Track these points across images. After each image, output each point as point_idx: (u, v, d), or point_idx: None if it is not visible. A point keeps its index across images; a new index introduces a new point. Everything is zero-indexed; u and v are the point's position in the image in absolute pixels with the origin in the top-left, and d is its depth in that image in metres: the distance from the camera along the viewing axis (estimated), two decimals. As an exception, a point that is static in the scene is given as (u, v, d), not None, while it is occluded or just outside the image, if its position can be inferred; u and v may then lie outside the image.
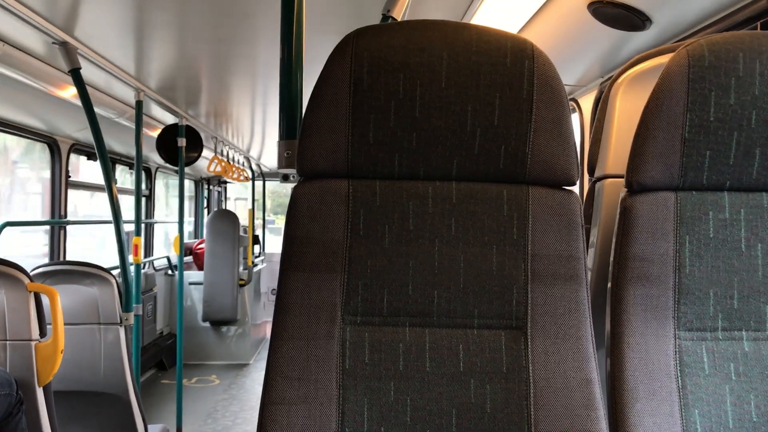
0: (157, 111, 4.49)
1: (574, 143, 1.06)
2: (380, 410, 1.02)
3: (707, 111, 1.06)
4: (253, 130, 5.73)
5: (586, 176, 2.02)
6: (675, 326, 1.09)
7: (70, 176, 4.31)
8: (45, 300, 2.31)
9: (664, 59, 1.36)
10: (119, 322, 3.02)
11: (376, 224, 1.06)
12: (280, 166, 1.30)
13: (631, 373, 1.07)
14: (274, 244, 9.27)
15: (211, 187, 8.61)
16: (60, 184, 4.19)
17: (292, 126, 1.32)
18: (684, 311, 1.09)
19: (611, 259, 1.14)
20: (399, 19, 1.71)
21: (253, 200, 7.87)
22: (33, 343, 2.21)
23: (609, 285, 1.14)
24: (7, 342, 2.19)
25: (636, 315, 1.09)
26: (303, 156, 1.07)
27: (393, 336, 1.05)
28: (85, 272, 2.98)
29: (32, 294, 2.25)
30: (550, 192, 1.06)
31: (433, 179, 1.07)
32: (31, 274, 2.34)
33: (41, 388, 2.23)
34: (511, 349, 1.04)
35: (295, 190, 1.08)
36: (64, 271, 2.98)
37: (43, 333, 2.28)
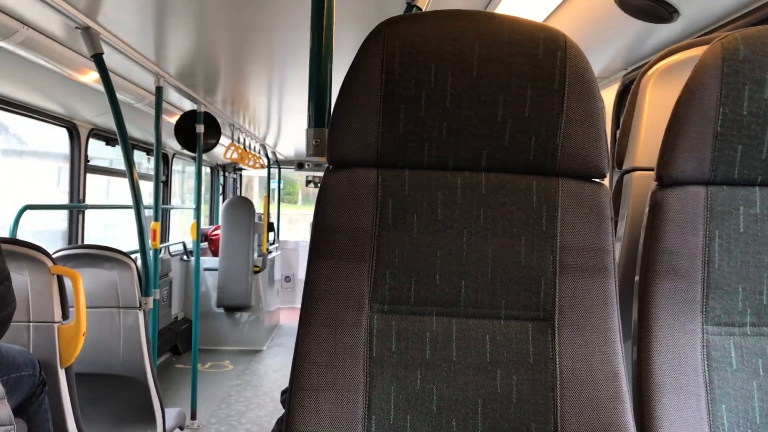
0: (174, 97, 4.51)
1: (606, 136, 1.06)
2: (406, 398, 1.03)
3: (741, 105, 1.06)
4: (269, 118, 5.74)
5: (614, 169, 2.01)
6: (703, 321, 1.08)
7: (89, 161, 4.33)
8: (67, 283, 2.34)
9: (696, 52, 1.35)
10: (138, 306, 3.04)
11: (404, 213, 1.06)
12: (308, 153, 1.30)
13: (658, 367, 1.07)
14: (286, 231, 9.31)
15: (227, 174, 8.64)
16: (79, 169, 4.22)
17: (321, 114, 1.32)
18: (712, 306, 1.08)
19: (639, 252, 1.14)
20: (423, 9, 1.71)
21: (269, 187, 7.89)
22: (56, 325, 2.24)
23: (637, 278, 1.13)
24: (31, 323, 2.22)
25: (664, 308, 1.09)
26: (333, 145, 1.07)
27: (420, 325, 1.05)
28: (106, 256, 3.01)
29: (55, 276, 2.27)
30: (580, 184, 1.06)
31: (463, 169, 1.07)
32: (53, 257, 2.37)
33: (63, 369, 2.26)
34: (538, 340, 1.04)
35: (324, 179, 1.08)
36: (86, 254, 3.01)
37: (65, 315, 2.31)
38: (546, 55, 1.03)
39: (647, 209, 1.13)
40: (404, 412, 1.03)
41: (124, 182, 5.21)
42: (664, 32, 2.02)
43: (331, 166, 1.10)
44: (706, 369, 1.07)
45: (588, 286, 1.04)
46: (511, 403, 1.02)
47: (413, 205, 1.06)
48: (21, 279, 2.19)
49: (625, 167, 1.44)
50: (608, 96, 2.64)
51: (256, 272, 6.67)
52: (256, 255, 6.76)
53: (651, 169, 1.17)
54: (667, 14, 1.78)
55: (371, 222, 1.06)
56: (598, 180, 1.08)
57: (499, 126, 1.04)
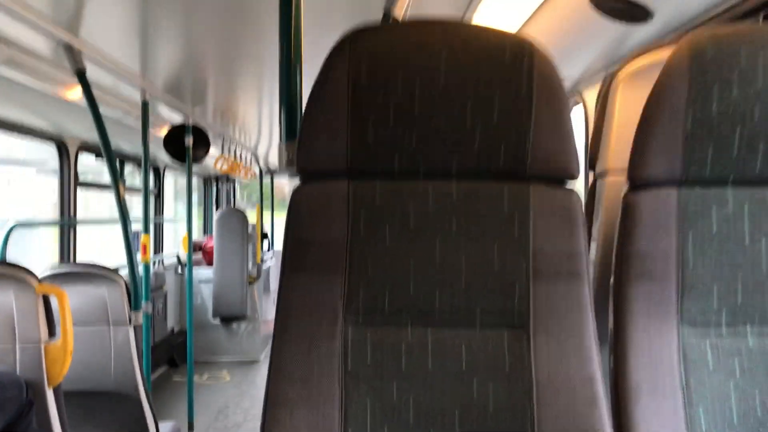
0: (164, 110, 4.50)
1: (574, 140, 1.06)
2: (383, 410, 1.03)
3: (710, 105, 1.06)
4: (260, 128, 5.73)
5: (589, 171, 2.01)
6: (678, 322, 1.08)
7: (78, 176, 4.33)
8: (54, 302, 2.33)
9: (666, 53, 1.35)
10: (128, 321, 3.04)
11: (376, 224, 1.06)
12: (280, 167, 1.30)
13: (634, 370, 1.07)
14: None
15: (219, 184, 8.63)
16: (69, 185, 4.21)
17: (293, 127, 1.32)
18: (687, 307, 1.08)
19: (613, 255, 1.14)
20: (400, 18, 1.71)
21: (261, 197, 7.88)
22: (42, 345, 2.23)
23: (611, 281, 1.13)
24: (17, 344, 2.21)
25: (639, 311, 1.09)
26: (302, 157, 1.07)
27: (395, 336, 1.05)
28: (93, 273, 3.00)
29: (41, 296, 2.26)
30: (551, 189, 1.06)
31: (434, 178, 1.07)
32: (40, 277, 2.36)
33: (51, 389, 2.25)
34: (514, 347, 1.04)
35: (294, 192, 1.08)
36: (73, 273, 3.00)
37: (52, 334, 2.30)
38: (513, 62, 1.03)
39: (620, 212, 1.13)
40: (381, 425, 1.02)
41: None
42: (642, 33, 2.03)
43: (300, 179, 1.09)
44: (683, 371, 1.06)
45: (562, 291, 1.04)
46: (488, 411, 1.02)
47: (385, 215, 1.06)
48: (6, 300, 2.18)
49: (598, 170, 1.45)
50: (591, 97, 2.65)
51: (251, 282, 6.67)
52: (250, 265, 6.75)
53: (623, 172, 1.17)
54: (642, 14, 1.78)
55: (343, 234, 1.06)
56: (569, 184, 1.08)
57: (468, 133, 1.04)
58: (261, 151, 7.53)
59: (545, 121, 1.03)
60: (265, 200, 8.31)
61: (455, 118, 1.03)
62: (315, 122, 1.05)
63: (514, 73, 1.03)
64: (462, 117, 1.03)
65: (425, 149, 1.05)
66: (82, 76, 2.78)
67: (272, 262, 8.19)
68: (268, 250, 8.30)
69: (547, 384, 1.01)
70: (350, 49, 1.04)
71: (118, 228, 3.01)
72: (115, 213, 3.05)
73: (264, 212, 7.85)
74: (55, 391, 2.27)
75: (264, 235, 7.60)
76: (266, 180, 8.40)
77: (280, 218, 9.42)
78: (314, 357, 1.03)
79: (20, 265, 2.28)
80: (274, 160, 8.48)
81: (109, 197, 4.93)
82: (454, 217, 1.06)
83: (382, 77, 1.03)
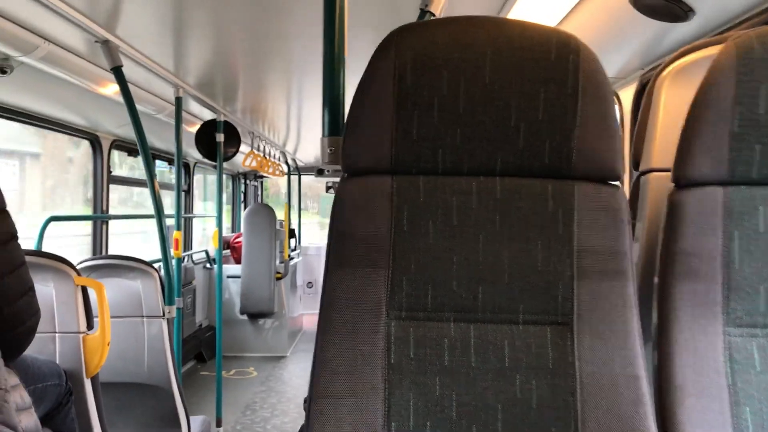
0: (194, 107, 4.55)
1: (620, 138, 1.06)
2: (426, 405, 1.03)
3: (756, 104, 1.05)
4: (288, 125, 5.77)
5: (627, 170, 2.00)
6: (724, 322, 1.07)
7: (111, 171, 4.39)
8: (91, 294, 2.37)
9: (711, 51, 1.34)
10: (162, 315, 3.08)
11: (420, 220, 1.06)
12: (323, 162, 1.31)
13: (680, 370, 1.06)
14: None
15: (247, 181, 8.70)
16: (102, 180, 4.27)
17: (336, 122, 1.33)
18: (734, 307, 1.07)
19: (658, 254, 1.13)
20: (437, 14, 1.71)
21: (289, 194, 7.93)
22: (81, 335, 2.27)
23: (656, 280, 1.13)
24: (56, 334, 2.26)
25: (684, 311, 1.08)
26: (347, 153, 1.08)
27: (438, 331, 1.05)
28: (129, 266, 3.05)
29: (79, 287, 2.30)
30: (595, 187, 1.06)
31: (477, 175, 1.07)
32: (77, 268, 2.40)
33: (89, 379, 2.29)
34: (557, 344, 1.03)
35: (339, 187, 1.09)
36: (109, 265, 3.05)
37: (90, 325, 2.34)
38: (558, 59, 1.03)
39: (665, 211, 1.13)
40: (424, 419, 1.03)
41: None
42: (680, 31, 2.01)
43: (346, 174, 1.10)
44: (729, 371, 1.05)
45: (606, 289, 1.04)
46: (531, 408, 1.02)
47: (428, 211, 1.06)
48: (46, 290, 2.23)
49: (641, 168, 1.44)
50: (626, 96, 2.63)
51: (278, 279, 6.71)
52: (278, 261, 6.79)
53: (667, 170, 1.17)
54: (683, 13, 1.77)
55: (387, 229, 1.06)
56: (614, 182, 1.07)
57: (512, 130, 1.04)
58: (289, 148, 7.57)
59: (591, 119, 1.03)
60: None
61: (500, 115, 1.03)
62: (360, 118, 1.06)
63: (560, 70, 1.03)
64: (507, 114, 1.03)
65: (469, 146, 1.05)
66: (118, 73, 2.82)
67: (299, 258, 8.24)
68: (296, 247, 8.35)
69: (592, 382, 1.01)
70: (396, 46, 1.04)
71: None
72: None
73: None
74: (93, 381, 2.31)
75: (291, 232, 7.65)
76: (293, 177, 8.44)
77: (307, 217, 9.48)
78: (358, 350, 1.04)
79: (59, 256, 2.32)
80: (301, 157, 8.52)
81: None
82: (498, 213, 1.06)
83: (428, 74, 1.03)
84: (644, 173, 1.42)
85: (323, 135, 1.32)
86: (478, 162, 1.06)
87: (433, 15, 1.72)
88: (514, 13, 2.12)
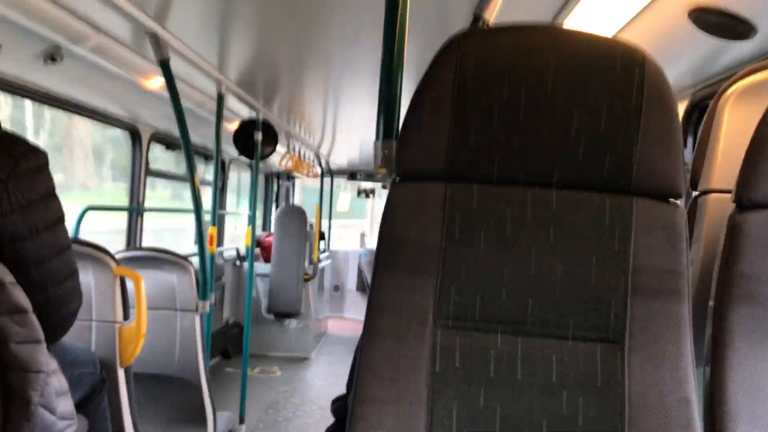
0: (233, 104, 4.58)
1: (683, 156, 1.03)
2: (469, 416, 1.01)
3: None
4: (324, 128, 5.78)
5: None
6: None
7: (149, 164, 4.43)
8: (129, 285, 2.39)
9: None
10: (195, 309, 3.09)
11: (472, 229, 1.05)
12: (376, 165, 1.30)
13: (733, 396, 1.03)
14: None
15: (280, 181, 8.74)
16: (140, 172, 4.32)
17: (390, 127, 1.32)
18: None
19: (714, 276, 1.10)
20: (490, 20, 1.70)
21: (321, 197, 7.94)
22: (117, 325, 2.29)
23: (711, 303, 1.10)
24: (93, 322, 2.28)
25: (740, 335, 1.05)
26: (401, 157, 1.07)
27: (484, 342, 1.03)
28: (166, 259, 3.07)
29: (118, 278, 2.33)
30: (655, 204, 1.03)
31: (533, 185, 1.05)
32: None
33: (122, 369, 2.31)
34: (607, 362, 1.01)
35: (392, 191, 1.08)
36: (146, 257, 3.08)
37: (126, 316, 2.36)
38: (624, 72, 1.00)
39: (724, 232, 1.10)
40: (467, 430, 1.01)
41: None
42: (737, 50, 1.96)
43: (398, 178, 1.09)
44: None
45: (661, 309, 1.01)
46: (577, 426, 1.00)
47: (481, 220, 1.05)
48: (85, 279, 2.25)
49: (700, 188, 1.40)
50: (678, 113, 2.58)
51: (306, 280, 6.72)
52: (307, 263, 6.81)
53: (728, 191, 1.14)
54: (745, 31, 1.73)
55: (438, 236, 1.05)
56: (674, 200, 1.05)
57: (572, 142, 1.02)
58: (323, 151, 7.60)
59: (654, 135, 1.01)
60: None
61: (560, 126, 1.01)
62: (417, 123, 1.05)
63: (624, 82, 1.00)
64: (567, 125, 1.01)
65: (526, 156, 1.03)
66: (165, 66, 2.84)
67: (328, 262, 8.25)
68: (325, 250, 8.36)
69: (641, 403, 0.99)
70: (457, 52, 1.03)
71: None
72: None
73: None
74: (126, 371, 2.33)
75: (321, 235, 7.66)
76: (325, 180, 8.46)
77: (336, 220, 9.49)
78: (403, 357, 1.03)
79: (99, 245, 2.34)
80: (335, 159, 8.55)
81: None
82: (552, 226, 1.04)
83: (488, 81, 1.02)
84: (703, 194, 1.39)
85: (376, 139, 1.31)
86: (534, 173, 1.04)
87: (487, 21, 1.71)
88: (570, 22, 2.09)
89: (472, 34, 1.05)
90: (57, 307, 1.57)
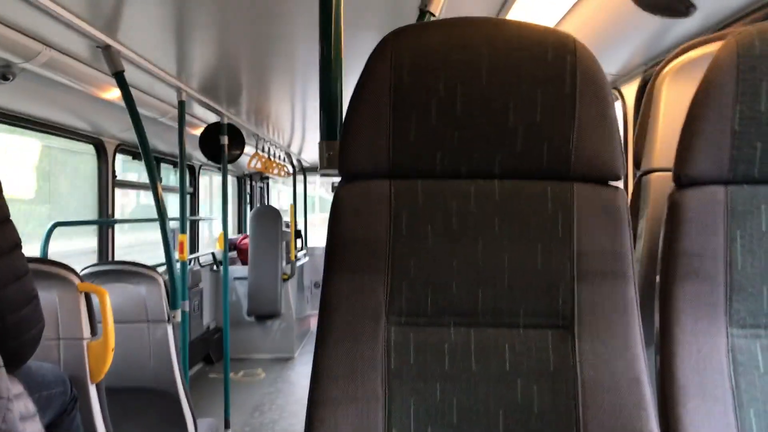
0: (198, 110, 4.55)
1: (620, 138, 1.04)
2: (427, 411, 1.02)
3: (758, 102, 1.03)
4: (293, 126, 5.77)
5: (631, 169, 1.98)
6: (727, 323, 1.06)
7: (116, 176, 4.40)
8: (95, 300, 2.37)
9: (712, 48, 1.32)
10: (167, 319, 3.08)
11: (418, 224, 1.05)
12: (321, 166, 1.30)
13: (682, 372, 1.05)
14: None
15: (253, 183, 8.70)
16: (107, 184, 4.28)
17: (333, 126, 1.32)
18: (737, 308, 1.06)
19: (659, 254, 1.12)
20: (437, 14, 1.70)
21: (294, 195, 7.92)
22: (85, 342, 2.27)
23: (657, 281, 1.11)
24: (60, 341, 2.26)
25: (686, 312, 1.07)
26: (345, 157, 1.07)
27: (438, 336, 1.04)
28: (133, 271, 3.05)
29: (83, 294, 2.31)
30: (595, 188, 1.05)
31: (476, 177, 1.06)
32: (80, 274, 2.40)
33: (94, 385, 2.29)
34: (558, 348, 1.02)
35: (337, 191, 1.08)
36: (112, 270, 3.05)
37: (93, 332, 2.34)
38: (555, 59, 1.01)
39: (666, 210, 1.11)
40: (425, 425, 1.02)
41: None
42: (683, 27, 1.99)
43: (343, 179, 1.09)
44: (732, 373, 1.04)
45: (607, 291, 1.02)
46: (533, 413, 1.01)
47: (427, 215, 1.05)
48: (50, 297, 2.23)
49: (642, 168, 1.42)
50: (630, 93, 2.61)
51: (285, 280, 6.71)
52: (284, 263, 6.79)
53: (669, 170, 1.15)
54: (684, 8, 1.74)
55: (386, 233, 1.05)
56: (614, 183, 1.06)
57: (510, 132, 1.03)
58: (294, 149, 7.57)
59: (589, 120, 1.02)
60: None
61: (498, 117, 1.02)
62: (357, 122, 1.05)
63: (557, 70, 1.01)
64: (505, 116, 1.02)
65: (467, 149, 1.04)
66: (120, 77, 2.82)
67: (306, 259, 8.24)
68: (302, 248, 8.34)
69: (593, 385, 1.00)
70: (392, 48, 1.04)
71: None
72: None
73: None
74: (98, 387, 2.31)
75: (297, 233, 7.64)
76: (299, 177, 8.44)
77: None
78: (357, 356, 1.03)
79: (63, 263, 2.32)
80: (306, 157, 8.52)
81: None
82: (497, 216, 1.05)
83: (424, 76, 1.02)
84: (646, 173, 1.41)
85: (321, 139, 1.31)
86: (476, 165, 1.05)
87: (433, 15, 1.71)
88: (514, 13, 2.10)
89: (405, 31, 1.05)
90: (16, 334, 1.55)
